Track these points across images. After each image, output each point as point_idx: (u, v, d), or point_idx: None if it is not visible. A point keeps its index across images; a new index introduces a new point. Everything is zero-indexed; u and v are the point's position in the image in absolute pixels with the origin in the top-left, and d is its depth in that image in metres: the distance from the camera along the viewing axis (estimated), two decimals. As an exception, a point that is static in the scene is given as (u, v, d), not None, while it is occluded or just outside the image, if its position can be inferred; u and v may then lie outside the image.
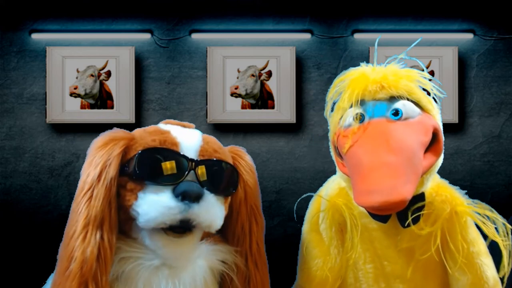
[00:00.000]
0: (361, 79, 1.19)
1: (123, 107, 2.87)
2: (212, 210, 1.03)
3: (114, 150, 1.03)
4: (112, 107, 2.88)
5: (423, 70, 1.22)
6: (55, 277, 1.01)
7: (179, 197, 0.99)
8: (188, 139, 1.07)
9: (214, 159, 1.07)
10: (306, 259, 1.29)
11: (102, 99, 2.89)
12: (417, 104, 1.18)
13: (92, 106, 2.88)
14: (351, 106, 1.18)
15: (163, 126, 1.13)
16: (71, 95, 2.87)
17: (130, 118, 2.85)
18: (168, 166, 1.01)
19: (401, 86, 1.16)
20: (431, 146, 1.16)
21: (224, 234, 1.14)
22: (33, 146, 2.89)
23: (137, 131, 1.11)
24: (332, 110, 1.25)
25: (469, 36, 2.93)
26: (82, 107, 2.88)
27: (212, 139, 1.12)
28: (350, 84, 1.19)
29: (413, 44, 1.29)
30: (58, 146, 2.86)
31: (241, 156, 1.16)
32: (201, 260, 1.08)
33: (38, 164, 2.89)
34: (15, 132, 2.90)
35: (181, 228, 1.01)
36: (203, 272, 1.07)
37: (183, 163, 1.02)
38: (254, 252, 1.13)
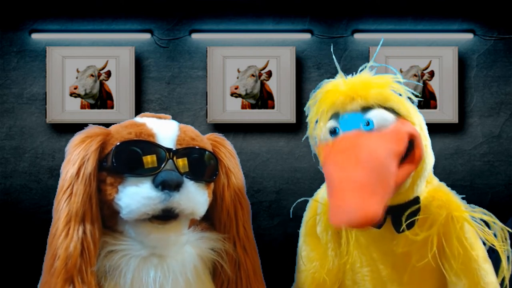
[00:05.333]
0: (331, 92, 1.15)
1: (123, 107, 2.87)
2: (193, 197, 1.03)
3: (91, 146, 1.04)
4: (112, 107, 2.88)
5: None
6: (42, 276, 1.03)
7: (159, 187, 0.99)
8: (164, 130, 1.08)
9: (191, 146, 1.08)
10: (304, 261, 1.28)
11: (102, 99, 2.89)
12: (393, 110, 1.14)
13: (92, 106, 2.88)
14: (329, 119, 1.15)
15: (138, 119, 1.14)
16: (71, 95, 2.87)
17: (130, 118, 2.82)
18: (148, 158, 1.02)
19: (372, 95, 1.12)
20: (409, 154, 1.11)
21: (211, 222, 1.14)
22: (33, 146, 2.89)
23: (113, 127, 1.12)
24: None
25: (469, 36, 2.92)
26: (82, 107, 2.88)
27: (189, 128, 1.13)
28: (322, 99, 1.16)
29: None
30: (58, 146, 2.86)
31: (220, 143, 1.17)
32: (190, 248, 1.08)
33: (38, 164, 2.89)
34: (15, 132, 2.90)
35: (165, 217, 1.01)
36: (193, 260, 1.07)
37: (161, 153, 1.03)
38: (241, 236, 1.13)
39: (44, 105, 2.87)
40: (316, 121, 1.19)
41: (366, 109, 1.12)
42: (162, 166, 1.02)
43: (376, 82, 1.14)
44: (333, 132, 1.14)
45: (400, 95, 1.15)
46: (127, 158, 1.03)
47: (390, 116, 1.12)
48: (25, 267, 2.81)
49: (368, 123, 1.11)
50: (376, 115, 1.12)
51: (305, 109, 1.22)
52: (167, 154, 1.03)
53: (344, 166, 1.06)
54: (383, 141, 1.08)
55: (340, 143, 1.11)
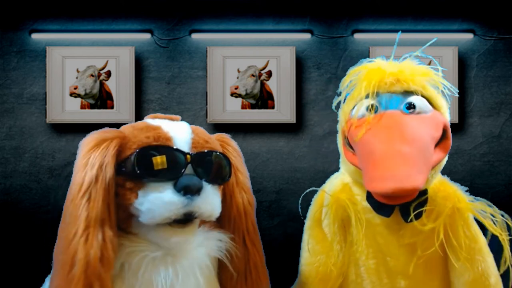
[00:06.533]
0: (377, 71, 1.21)
1: (123, 107, 2.87)
2: (211, 200, 1.06)
3: (109, 151, 1.04)
4: (112, 107, 2.88)
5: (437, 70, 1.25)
6: (56, 281, 1.00)
7: (181, 192, 1.01)
8: (180, 133, 1.09)
9: (208, 150, 1.09)
10: (309, 255, 1.29)
11: (102, 99, 2.89)
12: (429, 101, 1.20)
13: (92, 106, 2.88)
14: (366, 97, 1.19)
15: (151, 121, 1.13)
16: (71, 95, 2.87)
17: (130, 118, 2.85)
18: (163, 161, 1.03)
19: (417, 81, 1.19)
20: (441, 142, 1.18)
21: (219, 219, 1.15)
22: (33, 146, 2.89)
23: (126, 129, 1.11)
24: (343, 101, 1.27)
25: (469, 36, 2.92)
26: (82, 107, 2.88)
27: (201, 129, 1.15)
28: (366, 76, 1.21)
29: (429, 43, 1.29)
30: (58, 146, 2.86)
31: (227, 143, 1.19)
32: (199, 246, 1.10)
33: (38, 164, 2.89)
34: (15, 132, 2.90)
35: (185, 220, 1.03)
36: (203, 258, 1.10)
37: (180, 157, 1.04)
38: (250, 231, 1.17)
39: (44, 105, 2.87)
40: (345, 99, 1.24)
41: (406, 93, 1.18)
42: (183, 171, 1.03)
43: (421, 71, 1.21)
44: (374, 109, 1.18)
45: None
46: (149, 164, 1.03)
47: (428, 105, 1.19)
48: (25, 267, 2.81)
49: (410, 106, 1.17)
50: (419, 100, 1.18)
51: (342, 84, 1.26)
52: (186, 158, 1.05)
53: (389, 141, 1.10)
54: (425, 124, 1.14)
55: (384, 120, 1.14)
